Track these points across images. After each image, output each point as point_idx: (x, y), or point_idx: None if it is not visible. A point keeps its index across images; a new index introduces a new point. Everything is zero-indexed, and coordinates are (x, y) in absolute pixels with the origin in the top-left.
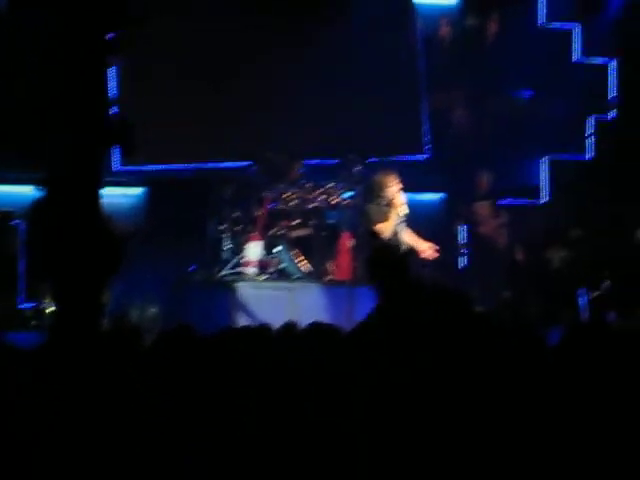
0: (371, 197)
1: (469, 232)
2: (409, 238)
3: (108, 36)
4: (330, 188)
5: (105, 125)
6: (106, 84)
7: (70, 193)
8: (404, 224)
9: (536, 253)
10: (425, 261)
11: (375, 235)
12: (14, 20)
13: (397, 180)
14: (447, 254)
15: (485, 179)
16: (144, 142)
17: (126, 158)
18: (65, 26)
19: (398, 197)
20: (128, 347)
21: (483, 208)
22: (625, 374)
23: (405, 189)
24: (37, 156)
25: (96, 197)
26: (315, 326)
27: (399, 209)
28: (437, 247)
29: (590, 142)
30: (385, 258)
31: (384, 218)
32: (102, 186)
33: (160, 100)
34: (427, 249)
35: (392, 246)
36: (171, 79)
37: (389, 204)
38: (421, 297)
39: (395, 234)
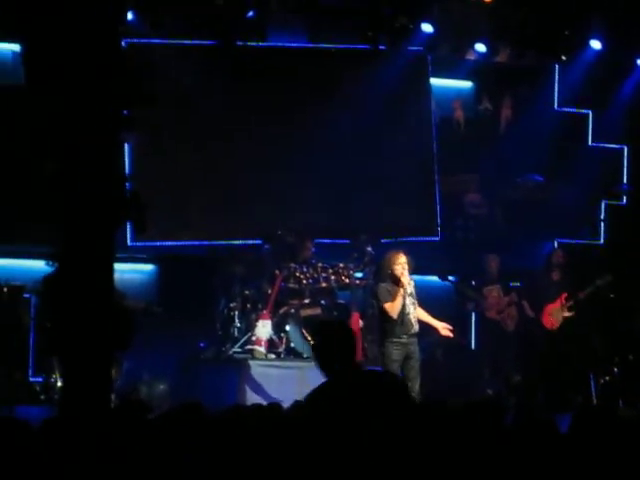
0: (381, 276)
1: (479, 315)
2: (424, 316)
3: (123, 112)
4: (341, 268)
5: (118, 201)
6: (121, 160)
7: (82, 268)
8: (415, 303)
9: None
10: (439, 340)
11: (384, 314)
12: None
13: (404, 259)
14: (458, 336)
15: (494, 263)
16: (156, 218)
17: (138, 234)
18: (80, 103)
19: (405, 276)
20: (136, 423)
21: (492, 292)
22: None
23: (416, 271)
24: (50, 230)
25: (108, 272)
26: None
27: (406, 287)
28: (451, 327)
29: (601, 227)
30: (333, 339)
31: (392, 297)
32: (114, 261)
33: (173, 177)
34: (442, 328)
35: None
36: (184, 157)
37: (396, 282)
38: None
39: (403, 313)
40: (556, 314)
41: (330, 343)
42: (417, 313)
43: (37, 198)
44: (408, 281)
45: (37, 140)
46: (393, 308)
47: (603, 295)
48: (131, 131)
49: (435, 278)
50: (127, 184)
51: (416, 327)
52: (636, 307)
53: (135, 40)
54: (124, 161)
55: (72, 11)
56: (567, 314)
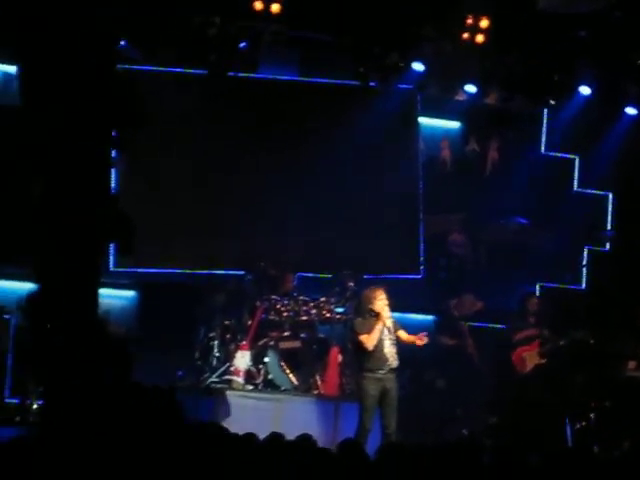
0: (359, 311)
1: (453, 351)
2: (405, 337)
3: (112, 133)
4: (323, 302)
5: (107, 220)
6: (109, 181)
7: (67, 287)
8: (393, 340)
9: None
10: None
11: (360, 347)
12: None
13: (384, 294)
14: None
15: (468, 299)
16: (139, 245)
17: (122, 257)
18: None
19: (385, 310)
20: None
21: (466, 328)
22: None
23: (397, 308)
24: (32, 251)
25: (91, 294)
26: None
27: (385, 322)
28: (425, 333)
29: (583, 272)
30: None
31: (369, 330)
32: (98, 284)
33: (157, 204)
34: (417, 339)
35: None
36: (169, 184)
37: (376, 317)
38: None
39: (380, 348)
40: (529, 359)
41: None
42: (395, 349)
43: (22, 219)
44: (388, 316)
45: (24, 160)
46: (369, 340)
47: (581, 343)
48: (120, 152)
49: (415, 315)
50: (114, 205)
51: (394, 363)
52: (615, 353)
53: (127, 67)
54: (111, 182)
55: (67, 35)
56: (540, 361)
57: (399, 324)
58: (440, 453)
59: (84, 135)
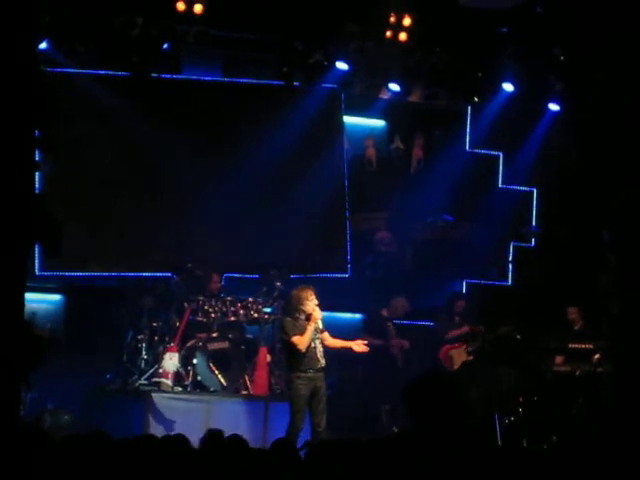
0: (289, 311)
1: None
2: (337, 342)
3: (35, 132)
4: (250, 302)
5: (29, 221)
6: (32, 180)
7: None
8: (320, 339)
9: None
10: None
11: (291, 348)
12: None
13: (314, 295)
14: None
15: (400, 302)
16: (66, 249)
17: (48, 260)
18: None
19: (316, 311)
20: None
21: (392, 329)
22: None
23: (325, 307)
24: None
25: (17, 297)
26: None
27: (317, 323)
28: (365, 342)
29: (509, 268)
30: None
31: (301, 331)
32: (24, 286)
33: (82, 207)
34: (355, 345)
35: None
36: (94, 187)
37: (307, 318)
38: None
39: (310, 347)
40: (457, 356)
41: None
42: (322, 348)
43: None
44: (320, 317)
45: None
46: (302, 342)
47: (507, 339)
48: (43, 153)
49: (343, 314)
50: (41, 204)
51: (322, 362)
52: (542, 349)
53: (49, 69)
54: (35, 182)
55: None
56: (466, 358)
57: (325, 326)
58: (373, 449)
59: (5, 134)
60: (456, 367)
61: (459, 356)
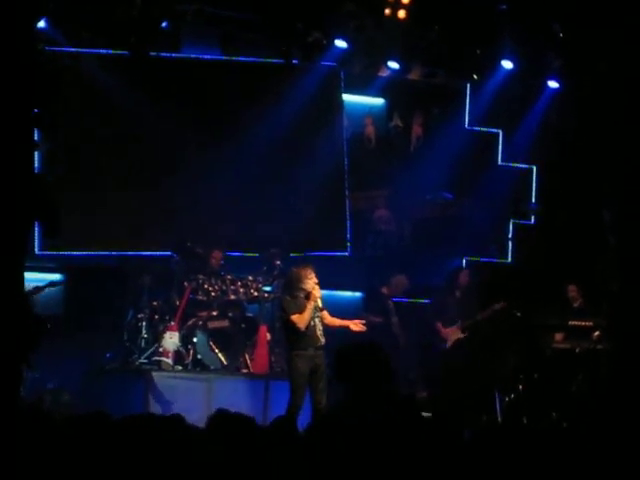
0: (289, 289)
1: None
2: (336, 321)
3: (34, 110)
4: (250, 281)
5: (30, 201)
6: (31, 159)
7: None
8: (320, 317)
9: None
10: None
11: (290, 326)
12: None
13: (314, 273)
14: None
15: (400, 280)
16: (65, 228)
17: (48, 240)
18: None
19: (316, 289)
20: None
21: (392, 306)
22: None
23: (325, 285)
24: None
25: (17, 274)
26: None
27: (317, 301)
28: (363, 321)
29: (509, 246)
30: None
31: (300, 310)
32: (24, 266)
33: (83, 186)
34: (353, 325)
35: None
36: (95, 165)
37: (307, 296)
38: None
39: (310, 326)
40: (452, 334)
41: None
42: (322, 326)
43: None
44: (319, 295)
45: None
46: (302, 320)
47: (503, 317)
48: (42, 132)
49: (343, 293)
50: (42, 184)
51: (322, 340)
52: (542, 326)
53: (49, 48)
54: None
55: None
56: (460, 335)
57: (324, 304)
58: (376, 427)
59: (3, 113)
60: (450, 344)
61: (454, 334)
